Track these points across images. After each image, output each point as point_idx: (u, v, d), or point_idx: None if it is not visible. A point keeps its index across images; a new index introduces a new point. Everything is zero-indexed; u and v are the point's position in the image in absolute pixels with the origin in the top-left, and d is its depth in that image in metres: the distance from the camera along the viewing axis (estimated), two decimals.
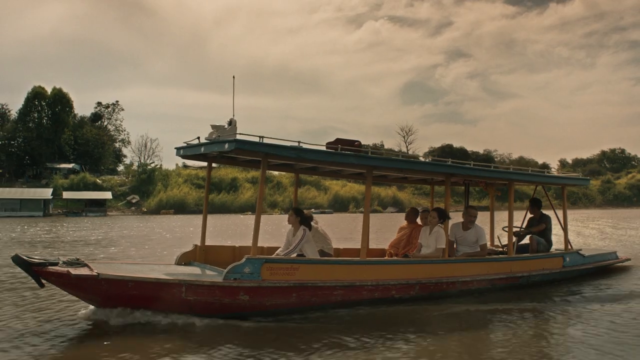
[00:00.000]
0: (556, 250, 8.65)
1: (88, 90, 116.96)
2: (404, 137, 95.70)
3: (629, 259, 10.03)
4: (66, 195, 56.50)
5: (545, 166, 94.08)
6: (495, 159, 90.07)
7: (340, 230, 21.98)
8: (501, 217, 8.98)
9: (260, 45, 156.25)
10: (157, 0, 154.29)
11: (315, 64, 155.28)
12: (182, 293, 5.24)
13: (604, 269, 9.18)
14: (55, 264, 5.21)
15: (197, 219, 38.44)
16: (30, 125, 70.42)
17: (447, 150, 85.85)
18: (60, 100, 71.62)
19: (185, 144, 6.28)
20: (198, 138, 6.00)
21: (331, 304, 5.85)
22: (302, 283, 5.64)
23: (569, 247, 8.75)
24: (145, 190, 64.74)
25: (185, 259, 6.66)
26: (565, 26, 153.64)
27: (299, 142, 5.81)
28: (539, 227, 8.36)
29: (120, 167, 79.46)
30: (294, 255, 6.14)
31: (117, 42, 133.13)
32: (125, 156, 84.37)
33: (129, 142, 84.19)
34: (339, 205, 65.10)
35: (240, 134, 5.51)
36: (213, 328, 5.13)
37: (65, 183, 62.32)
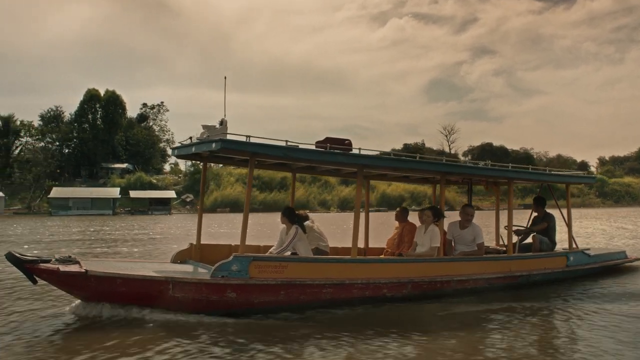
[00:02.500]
0: (562, 249, 8.70)
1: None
2: (446, 136, 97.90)
3: (638, 259, 9.93)
4: (133, 194, 60.27)
5: (584, 165, 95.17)
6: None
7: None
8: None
9: (283, 44, 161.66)
10: (180, 0, 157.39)
11: (338, 62, 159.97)
12: (169, 290, 5.41)
13: (611, 268, 9.11)
14: (48, 261, 5.46)
15: (255, 217, 41.38)
16: (85, 126, 74.26)
17: (487, 149, 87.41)
18: (114, 102, 75.42)
19: (180, 144, 6.56)
20: (190, 138, 6.28)
21: (321, 302, 5.96)
22: (291, 281, 5.75)
23: (574, 246, 8.73)
24: (198, 189, 67.95)
25: (180, 257, 6.88)
26: (593, 21, 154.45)
27: (286, 141, 5.94)
28: (541, 225, 8.46)
29: (166, 167, 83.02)
30: (287, 253, 6.35)
31: (141, 42, 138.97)
32: (169, 156, 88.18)
33: (173, 142, 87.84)
34: (386, 203, 67.69)
35: (230, 133, 5.69)
36: (200, 325, 5.29)
37: (123, 182, 66.10)
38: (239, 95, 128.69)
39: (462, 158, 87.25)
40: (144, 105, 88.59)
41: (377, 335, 4.99)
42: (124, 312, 5.46)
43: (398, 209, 8.27)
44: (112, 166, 73.46)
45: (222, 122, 5.86)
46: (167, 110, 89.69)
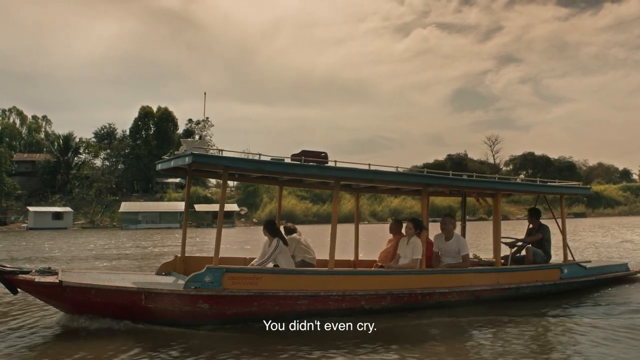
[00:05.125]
0: (559, 261, 8.64)
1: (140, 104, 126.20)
2: (490, 146, 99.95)
3: None
4: (198, 208, 63.43)
5: (626, 172, 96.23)
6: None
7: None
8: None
9: (307, 57, 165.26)
10: (205, 16, 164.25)
11: (363, 73, 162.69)
12: (141, 301, 5.65)
13: (610, 281, 9.01)
14: (27, 273, 5.74)
15: (307, 228, 42.98)
16: (138, 142, 77.98)
17: (529, 158, 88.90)
18: (167, 119, 79.05)
19: (162, 159, 6.84)
20: (171, 152, 6.58)
21: (296, 313, 6.11)
22: (264, 292, 5.93)
23: (570, 257, 8.69)
24: (252, 202, 71.35)
25: (165, 269, 7.15)
26: (621, 26, 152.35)
27: (259, 154, 6.17)
28: (535, 237, 8.52)
29: (212, 181, 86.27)
30: (269, 265, 6.59)
31: (168, 57, 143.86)
32: None
33: None
34: (436, 213, 69.76)
35: (211, 148, 6.04)
36: (171, 336, 5.47)
37: (179, 196, 69.14)
38: (265, 108, 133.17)
39: (503, 168, 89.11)
40: (190, 120, 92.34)
41: (352, 349, 5.09)
42: (102, 323, 5.74)
43: (392, 221, 8.32)
44: (166, 181, 77.06)
45: (201, 137, 6.27)
46: (212, 126, 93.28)
